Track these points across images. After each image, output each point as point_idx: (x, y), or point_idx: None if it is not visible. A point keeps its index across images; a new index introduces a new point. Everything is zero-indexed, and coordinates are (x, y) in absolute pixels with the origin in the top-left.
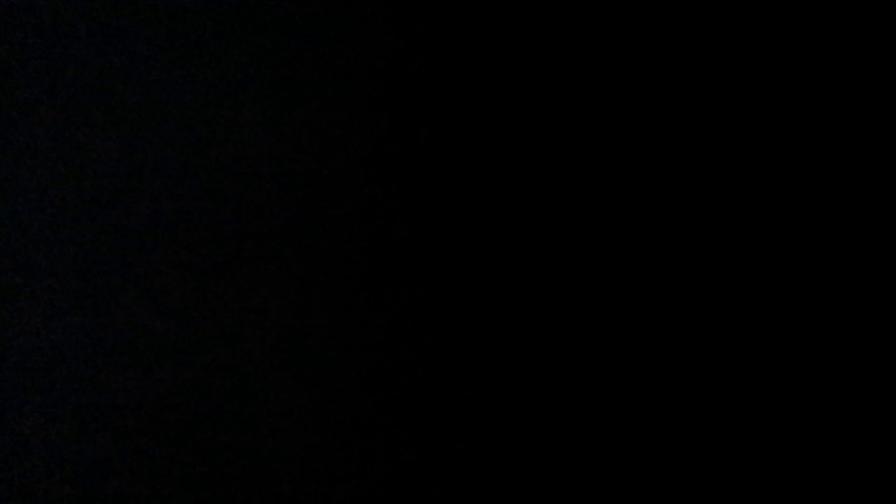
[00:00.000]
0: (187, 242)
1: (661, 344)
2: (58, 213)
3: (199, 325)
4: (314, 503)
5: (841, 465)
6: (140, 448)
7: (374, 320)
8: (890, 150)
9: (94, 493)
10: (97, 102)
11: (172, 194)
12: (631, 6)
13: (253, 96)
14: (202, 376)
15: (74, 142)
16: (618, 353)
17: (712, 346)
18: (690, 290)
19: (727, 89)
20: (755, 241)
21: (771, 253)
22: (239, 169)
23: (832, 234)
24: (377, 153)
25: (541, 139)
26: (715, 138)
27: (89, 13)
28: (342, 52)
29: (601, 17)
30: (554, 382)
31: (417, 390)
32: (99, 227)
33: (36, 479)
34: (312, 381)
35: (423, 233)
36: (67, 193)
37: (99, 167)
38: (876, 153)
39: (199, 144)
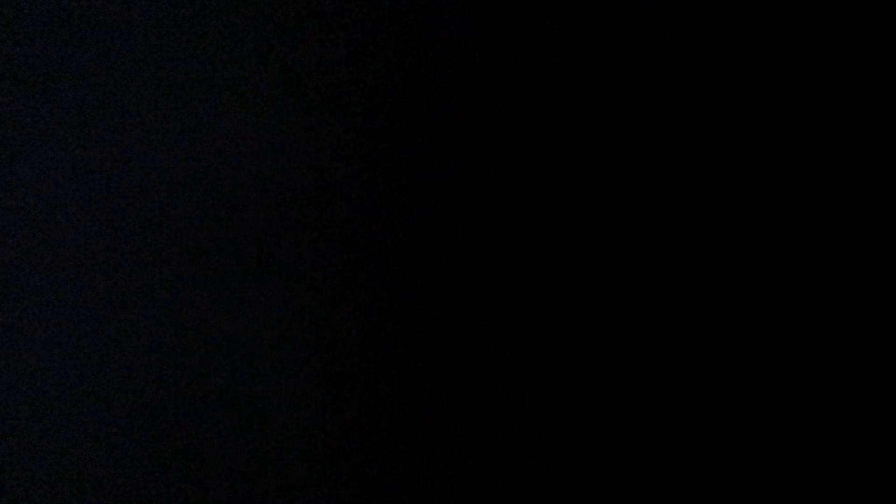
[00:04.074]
0: (188, 240)
1: (662, 344)
2: (57, 211)
3: (200, 323)
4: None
5: (841, 466)
6: (140, 449)
7: (376, 320)
8: (890, 150)
9: (93, 494)
10: (93, 100)
11: (174, 192)
12: (631, 6)
13: (253, 95)
14: (203, 376)
15: (72, 140)
16: (619, 352)
17: (712, 346)
18: (691, 291)
19: (727, 89)
20: (756, 241)
21: (771, 253)
22: (242, 167)
23: (832, 234)
24: (378, 153)
25: (541, 139)
26: (715, 138)
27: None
28: (343, 50)
29: (602, 17)
30: (559, 383)
31: (421, 391)
32: (97, 226)
33: (36, 481)
34: (317, 381)
35: (423, 233)
36: (66, 192)
37: (94, 165)
38: (876, 153)
39: (200, 142)
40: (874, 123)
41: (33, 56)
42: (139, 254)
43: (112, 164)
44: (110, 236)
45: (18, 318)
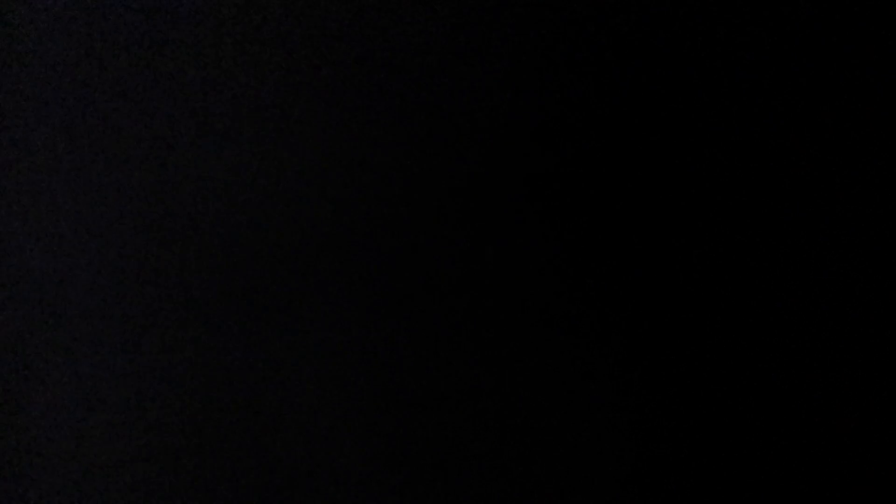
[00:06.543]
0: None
1: (662, 344)
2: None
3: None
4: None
5: (841, 466)
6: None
7: (384, 323)
8: (890, 150)
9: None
10: (94, 100)
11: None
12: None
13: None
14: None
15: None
16: (620, 353)
17: (713, 346)
18: (692, 291)
19: (728, 89)
20: (756, 241)
21: (772, 253)
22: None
23: (832, 235)
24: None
25: (542, 139)
26: (715, 138)
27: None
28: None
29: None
30: (563, 385)
31: (430, 393)
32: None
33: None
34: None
35: (427, 233)
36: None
37: (95, 165)
38: (876, 153)
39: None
40: (874, 123)
41: (34, 57)
42: (157, 258)
43: (134, 172)
44: (128, 241)
45: (50, 326)
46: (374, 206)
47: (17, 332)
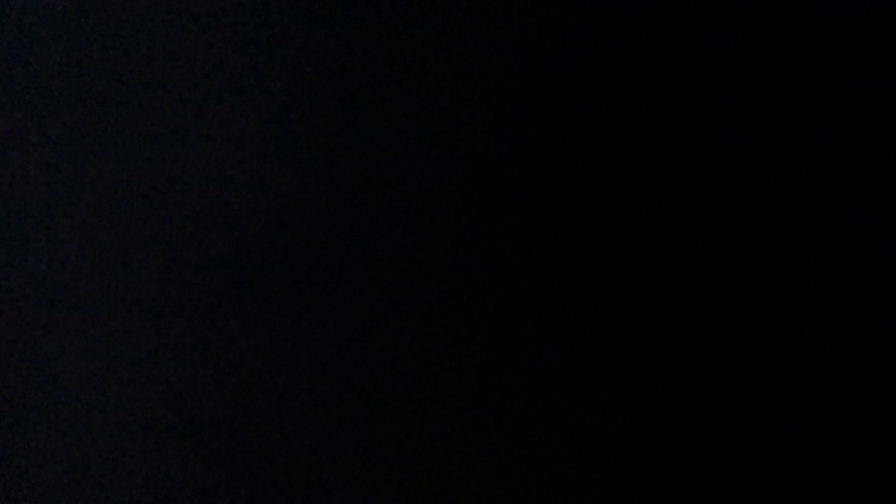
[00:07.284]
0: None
1: (662, 344)
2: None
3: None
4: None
5: (841, 466)
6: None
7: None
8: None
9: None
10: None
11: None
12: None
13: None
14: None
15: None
16: (620, 353)
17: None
18: (692, 291)
19: (728, 89)
20: (757, 241)
21: (772, 253)
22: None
23: (833, 235)
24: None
25: (542, 139)
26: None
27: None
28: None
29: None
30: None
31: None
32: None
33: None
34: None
35: (428, 234)
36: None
37: (101, 167)
38: (876, 153)
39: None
40: (874, 124)
41: (36, 58)
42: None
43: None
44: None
45: (53, 327)
46: (374, 206)
47: (18, 331)
